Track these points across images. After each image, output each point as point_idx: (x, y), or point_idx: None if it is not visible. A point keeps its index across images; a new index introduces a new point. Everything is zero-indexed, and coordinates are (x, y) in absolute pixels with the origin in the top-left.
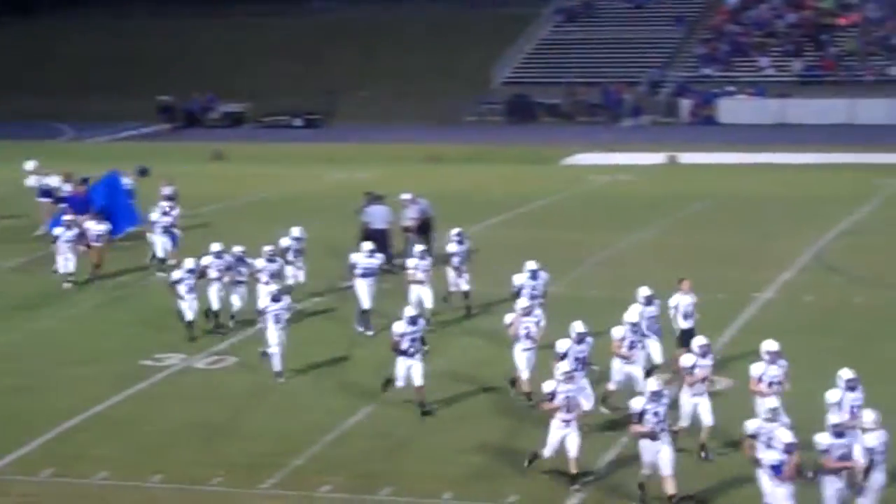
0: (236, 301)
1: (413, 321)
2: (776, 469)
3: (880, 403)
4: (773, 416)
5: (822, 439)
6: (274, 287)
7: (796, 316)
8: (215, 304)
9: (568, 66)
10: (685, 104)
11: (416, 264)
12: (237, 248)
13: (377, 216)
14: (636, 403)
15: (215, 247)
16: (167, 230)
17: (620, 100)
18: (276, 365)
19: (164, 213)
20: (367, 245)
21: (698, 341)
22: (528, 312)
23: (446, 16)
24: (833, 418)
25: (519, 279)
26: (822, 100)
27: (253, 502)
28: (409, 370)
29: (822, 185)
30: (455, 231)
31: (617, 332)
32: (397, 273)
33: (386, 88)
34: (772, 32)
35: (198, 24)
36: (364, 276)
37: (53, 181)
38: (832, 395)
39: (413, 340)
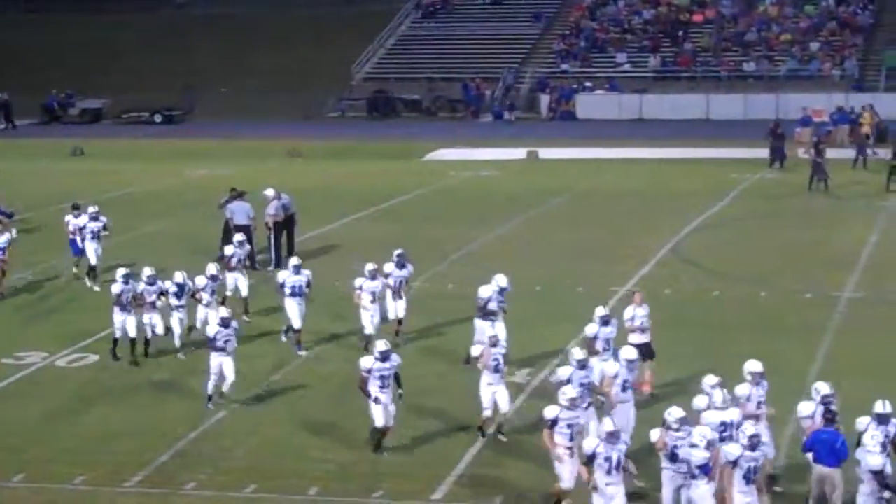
0: (176, 327)
1: (384, 357)
2: (704, 468)
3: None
4: (679, 425)
5: (733, 450)
6: (225, 312)
7: (655, 309)
8: (147, 332)
9: (428, 61)
10: (544, 100)
11: (360, 284)
12: (178, 274)
13: (239, 212)
14: (589, 444)
15: (147, 271)
16: (96, 235)
17: (481, 95)
18: (209, 388)
19: (94, 219)
20: (294, 261)
21: (751, 367)
22: (495, 342)
23: (306, 12)
24: (807, 429)
25: (486, 291)
26: (677, 95)
27: (118, 500)
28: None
29: (679, 180)
30: (397, 252)
31: (610, 368)
32: (259, 270)
33: (247, 84)
34: (628, 29)
35: (60, 19)
36: (293, 294)
37: None
38: (805, 408)
39: (383, 378)
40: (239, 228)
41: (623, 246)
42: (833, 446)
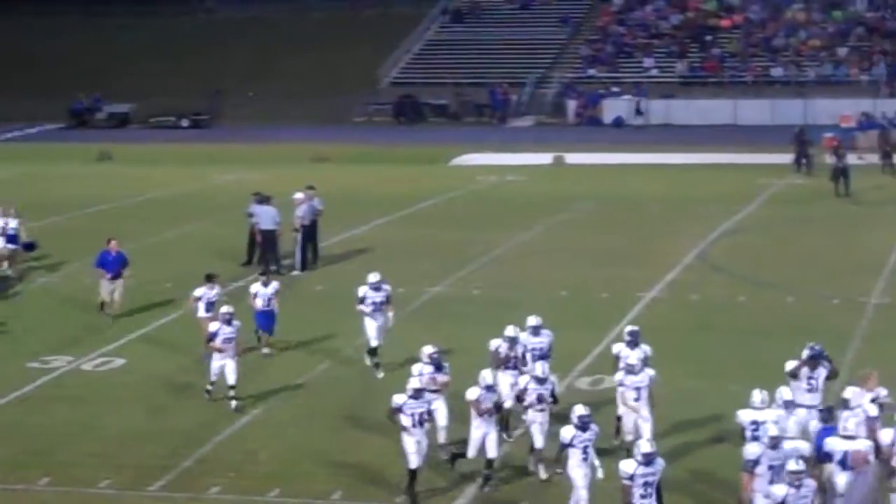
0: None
1: (649, 460)
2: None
3: None
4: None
5: (627, 467)
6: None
7: (682, 315)
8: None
9: (455, 66)
10: (571, 105)
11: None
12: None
13: (265, 217)
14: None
15: (486, 379)
16: (379, 308)
17: (507, 100)
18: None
19: (376, 289)
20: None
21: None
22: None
23: (333, 16)
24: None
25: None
26: (705, 100)
27: None
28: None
29: (706, 186)
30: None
31: None
32: (284, 275)
33: (273, 89)
34: (656, 34)
35: (81, 23)
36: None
37: None
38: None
39: (647, 485)
40: (264, 233)
41: (649, 251)
42: None
